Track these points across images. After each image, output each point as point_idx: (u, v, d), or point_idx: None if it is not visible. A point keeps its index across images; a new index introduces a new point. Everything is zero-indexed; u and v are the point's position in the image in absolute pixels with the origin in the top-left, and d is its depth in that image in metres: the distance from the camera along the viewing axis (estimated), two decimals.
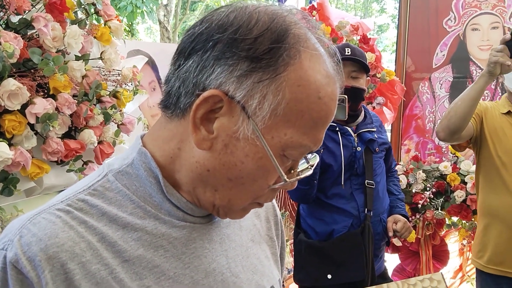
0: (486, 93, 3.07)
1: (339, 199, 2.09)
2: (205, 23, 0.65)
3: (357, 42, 3.04)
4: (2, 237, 0.63)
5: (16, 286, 0.59)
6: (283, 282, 0.93)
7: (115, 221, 0.66)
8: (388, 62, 9.28)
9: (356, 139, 2.13)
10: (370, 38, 3.04)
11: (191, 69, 0.64)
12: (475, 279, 3.12)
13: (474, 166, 2.80)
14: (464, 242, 3.03)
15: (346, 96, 1.86)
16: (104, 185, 0.69)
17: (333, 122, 2.10)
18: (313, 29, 0.66)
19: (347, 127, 2.13)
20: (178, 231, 0.70)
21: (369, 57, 2.87)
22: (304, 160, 0.72)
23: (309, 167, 0.72)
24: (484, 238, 2.12)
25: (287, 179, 0.66)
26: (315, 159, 0.74)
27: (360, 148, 2.11)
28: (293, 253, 2.30)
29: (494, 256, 2.07)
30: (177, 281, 0.68)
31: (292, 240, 2.35)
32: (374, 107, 3.04)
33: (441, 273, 1.48)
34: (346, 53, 2.04)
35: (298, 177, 0.69)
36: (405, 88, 3.23)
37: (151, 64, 2.59)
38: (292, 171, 0.69)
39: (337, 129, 2.11)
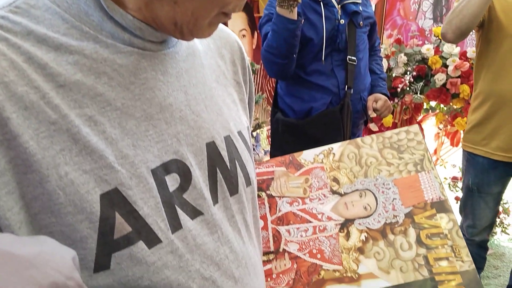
0: None
1: (319, 76, 2.00)
2: None
3: None
4: None
5: None
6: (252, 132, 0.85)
7: (44, 41, 0.54)
8: None
9: (339, 11, 1.98)
10: None
11: None
12: (452, 166, 3.20)
13: (457, 48, 2.73)
14: (441, 126, 3.05)
15: None
16: (28, 2, 0.56)
17: None
18: None
19: None
20: (124, 58, 0.58)
21: None
22: None
23: None
24: (490, 125, 2.01)
25: None
26: None
27: (343, 21, 1.97)
28: (269, 132, 2.25)
29: (505, 142, 1.98)
30: (126, 113, 0.58)
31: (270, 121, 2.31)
32: None
33: (417, 124, 1.39)
34: None
35: None
36: None
37: None
38: None
39: None
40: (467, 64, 2.63)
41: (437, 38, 2.84)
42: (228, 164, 0.70)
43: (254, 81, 2.84)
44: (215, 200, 0.67)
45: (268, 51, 1.89)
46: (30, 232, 0.53)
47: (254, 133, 2.47)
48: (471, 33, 1.99)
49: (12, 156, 0.51)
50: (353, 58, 1.99)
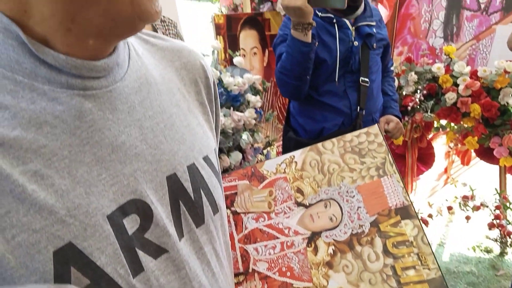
0: None
1: (332, 96, 2.01)
2: None
3: None
4: None
5: None
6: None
7: None
8: None
9: (353, 32, 2.00)
10: None
11: None
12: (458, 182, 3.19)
13: (468, 67, 2.73)
14: (451, 145, 3.04)
15: None
16: None
17: (330, 13, 1.98)
18: None
19: (344, 20, 1.99)
20: (64, 102, 0.54)
21: None
22: None
23: None
24: None
25: None
26: None
27: (357, 42, 1.99)
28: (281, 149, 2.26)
29: None
30: (75, 160, 0.54)
31: (281, 143, 2.31)
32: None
33: (377, 125, 1.36)
34: None
35: None
36: None
37: None
38: None
39: (334, 21, 1.98)
40: (477, 84, 2.63)
41: (447, 56, 2.85)
42: (192, 195, 0.67)
43: (264, 98, 2.85)
44: (180, 234, 0.64)
45: (282, 72, 1.91)
46: None
47: (265, 151, 2.47)
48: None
49: None
50: (365, 79, 2.00)
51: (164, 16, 2.44)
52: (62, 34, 0.52)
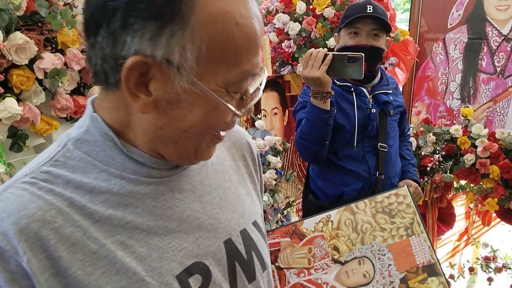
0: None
1: (351, 161, 2.05)
2: None
3: None
4: None
5: None
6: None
7: (80, 187, 0.68)
8: (399, 22, 9.08)
9: (371, 100, 2.07)
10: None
11: (104, 44, 0.63)
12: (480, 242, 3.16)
13: (485, 129, 2.76)
14: (471, 205, 3.03)
15: (362, 54, 1.78)
16: (65, 155, 0.70)
17: (348, 82, 2.07)
18: None
19: (362, 88, 2.07)
20: (145, 187, 0.72)
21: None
22: (254, 84, 0.71)
23: (258, 88, 0.71)
24: None
25: (240, 113, 0.68)
26: (261, 79, 0.71)
27: (374, 110, 2.05)
28: (301, 213, 2.29)
29: None
30: (151, 233, 0.71)
31: (301, 201, 2.35)
32: (386, 68, 2.98)
33: (406, 187, 1.49)
34: (368, 11, 1.94)
35: (252, 103, 0.70)
36: (418, 49, 3.15)
37: None
38: (244, 97, 0.69)
39: (352, 89, 2.06)
40: (496, 145, 2.66)
41: (465, 118, 2.90)
42: (245, 255, 0.81)
43: (284, 158, 2.91)
44: None
45: (301, 137, 1.97)
46: None
47: (285, 212, 2.51)
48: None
49: (65, 283, 0.64)
50: (384, 145, 2.05)
51: None
52: (150, 145, 0.70)
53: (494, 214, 3.05)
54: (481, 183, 2.80)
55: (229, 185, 0.85)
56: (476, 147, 2.75)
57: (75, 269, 0.64)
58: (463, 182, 2.94)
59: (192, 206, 0.77)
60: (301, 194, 2.56)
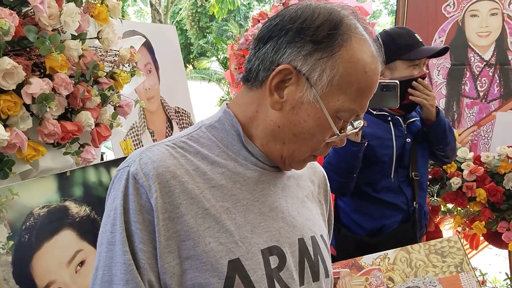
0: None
1: (388, 192, 2.00)
2: (279, 17, 0.87)
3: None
4: (127, 159, 0.86)
5: (133, 191, 0.81)
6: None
7: (206, 159, 0.88)
8: None
9: (405, 130, 2.04)
10: (369, 23, 2.99)
11: (269, 51, 0.85)
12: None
13: (471, 153, 2.79)
14: (459, 229, 3.04)
15: (397, 82, 1.75)
16: (198, 134, 0.92)
17: (385, 111, 2.03)
18: (360, 21, 0.86)
19: (398, 117, 2.04)
20: (251, 173, 0.91)
21: None
22: (351, 126, 0.91)
23: (356, 128, 0.91)
24: None
25: (339, 134, 0.87)
26: (359, 124, 0.91)
27: (409, 139, 2.03)
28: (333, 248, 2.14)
29: None
30: (248, 209, 0.88)
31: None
32: None
33: (458, 235, 1.69)
34: (420, 39, 1.97)
35: (347, 134, 0.89)
36: None
37: (147, 46, 2.54)
38: (342, 131, 0.89)
39: (389, 119, 2.03)
40: (481, 169, 2.68)
41: None
42: (312, 256, 0.94)
43: None
44: (301, 282, 0.91)
45: (328, 168, 1.90)
46: (177, 281, 0.81)
47: None
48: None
49: (178, 228, 0.82)
50: (417, 173, 2.02)
51: (178, 107, 2.56)
52: (263, 140, 0.90)
53: (482, 238, 3.06)
54: (468, 206, 2.82)
55: (306, 200, 1.01)
56: (462, 170, 2.77)
57: (189, 217, 0.82)
58: (450, 205, 2.95)
59: (280, 201, 0.93)
60: None
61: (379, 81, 1.70)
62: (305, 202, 1.00)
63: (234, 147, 0.91)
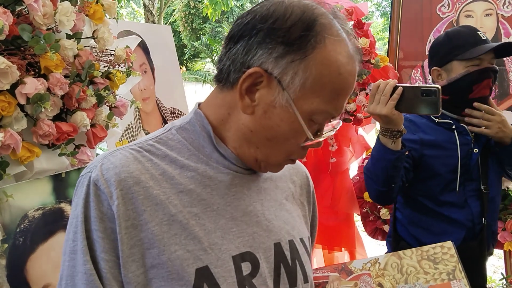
0: None
1: (451, 207, 1.86)
2: (251, 14, 0.83)
3: (351, 27, 2.99)
4: (90, 164, 0.83)
5: (94, 198, 0.78)
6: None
7: (174, 162, 0.85)
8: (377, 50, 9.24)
9: (473, 139, 1.86)
10: (364, 23, 2.98)
11: (239, 51, 0.82)
12: None
13: None
14: None
15: (439, 87, 1.56)
16: (167, 136, 0.88)
17: (449, 118, 1.84)
18: (338, 19, 0.83)
19: (463, 125, 1.87)
20: (223, 176, 0.87)
21: (363, 42, 2.83)
22: (330, 127, 0.89)
23: (333, 129, 0.89)
24: None
25: (313, 138, 0.83)
26: (338, 124, 0.91)
27: (477, 150, 1.85)
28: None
29: None
30: (219, 214, 0.84)
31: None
32: (367, 94, 3.00)
33: (451, 242, 1.59)
34: (483, 38, 1.79)
35: (322, 138, 0.86)
36: (398, 75, 3.20)
37: (142, 46, 2.51)
38: (319, 133, 0.86)
39: (453, 127, 1.86)
40: None
41: None
42: (290, 261, 0.91)
43: None
44: None
45: (366, 173, 1.83)
46: None
47: None
48: None
49: (142, 236, 0.78)
50: (487, 187, 1.86)
51: (174, 108, 2.54)
52: (236, 143, 0.87)
53: None
54: None
55: (285, 202, 0.98)
56: None
57: (153, 224, 0.79)
58: None
59: (255, 204, 0.90)
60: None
61: (419, 85, 1.60)
62: (284, 204, 0.97)
63: (206, 149, 0.87)
